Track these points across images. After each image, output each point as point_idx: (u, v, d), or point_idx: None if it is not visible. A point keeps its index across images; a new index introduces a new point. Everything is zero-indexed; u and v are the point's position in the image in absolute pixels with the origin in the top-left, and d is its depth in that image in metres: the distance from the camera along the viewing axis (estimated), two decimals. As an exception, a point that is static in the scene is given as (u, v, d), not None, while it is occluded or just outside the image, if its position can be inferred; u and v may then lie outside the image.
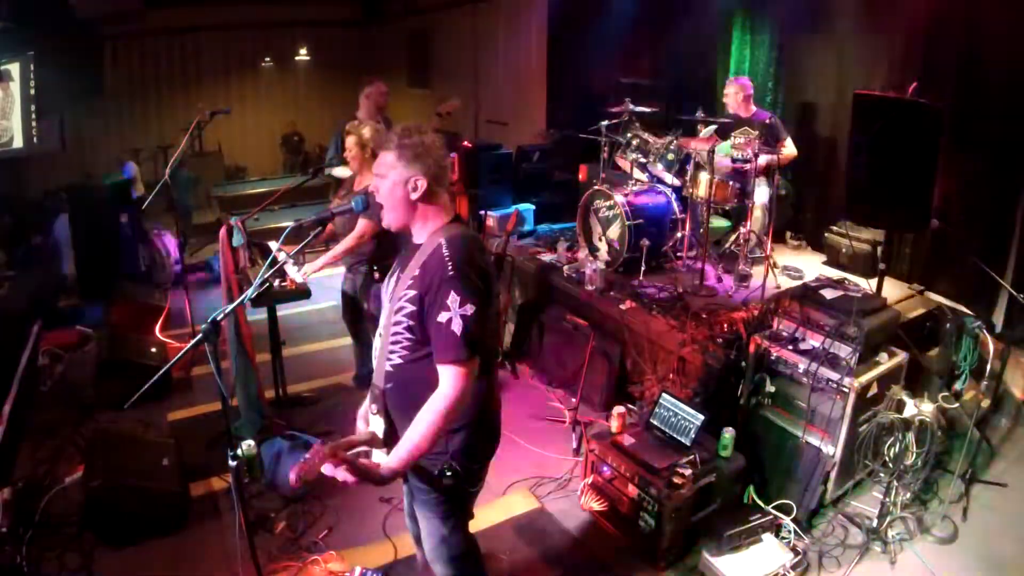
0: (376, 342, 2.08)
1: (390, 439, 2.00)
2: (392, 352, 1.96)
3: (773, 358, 3.35)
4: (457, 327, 1.80)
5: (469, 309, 1.80)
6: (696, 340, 3.72)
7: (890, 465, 2.97)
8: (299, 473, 1.69)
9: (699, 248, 4.62)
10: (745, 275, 4.44)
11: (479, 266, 1.89)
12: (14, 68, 6.12)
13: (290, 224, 2.31)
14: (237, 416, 3.72)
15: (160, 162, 9.21)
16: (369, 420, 2.09)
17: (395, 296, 1.95)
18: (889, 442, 2.96)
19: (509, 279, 5.10)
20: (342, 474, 1.77)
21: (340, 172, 4.74)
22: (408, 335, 1.92)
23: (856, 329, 3.10)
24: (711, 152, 4.32)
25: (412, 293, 1.88)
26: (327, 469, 1.75)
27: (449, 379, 1.83)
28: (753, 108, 4.90)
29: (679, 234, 4.74)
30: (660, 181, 4.88)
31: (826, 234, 5.04)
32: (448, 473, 1.97)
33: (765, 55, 5.58)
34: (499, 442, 2.16)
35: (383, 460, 1.92)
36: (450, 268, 1.82)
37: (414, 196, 1.92)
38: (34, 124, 6.21)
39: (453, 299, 1.80)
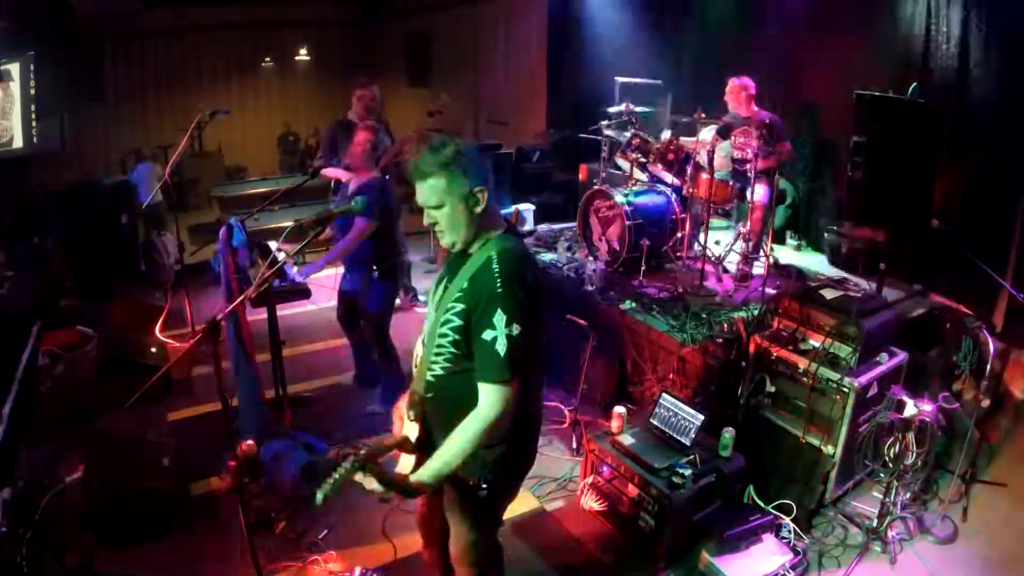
0: (418, 348, 2.05)
1: (424, 446, 1.98)
2: (434, 363, 1.93)
3: (773, 358, 3.35)
4: (501, 347, 1.75)
5: (515, 329, 1.76)
6: (696, 340, 3.72)
7: (890, 465, 2.97)
8: (326, 494, 1.72)
9: (699, 248, 4.61)
10: (745, 275, 4.44)
11: (529, 284, 1.83)
12: (14, 68, 6.11)
13: (290, 224, 2.31)
14: (237, 416, 3.72)
15: (160, 162, 9.21)
16: (404, 424, 2.07)
17: (443, 306, 1.90)
18: (889, 442, 2.96)
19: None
20: (371, 483, 1.80)
21: (331, 172, 4.73)
22: (453, 348, 1.88)
23: (856, 329, 3.10)
24: (711, 152, 4.32)
25: (460, 307, 1.84)
26: (358, 476, 1.77)
27: (490, 399, 1.79)
28: (755, 108, 4.90)
29: (679, 234, 4.73)
30: (660, 181, 4.87)
31: (826, 234, 5.04)
32: (484, 485, 1.96)
33: (766, 54, 5.58)
34: (535, 460, 2.14)
35: (409, 466, 1.94)
36: (499, 285, 1.77)
37: (479, 209, 1.85)
38: (34, 124, 6.20)
39: (500, 318, 1.76)
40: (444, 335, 1.88)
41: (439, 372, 1.93)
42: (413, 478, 1.85)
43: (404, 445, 2.00)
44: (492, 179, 1.89)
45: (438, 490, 2.09)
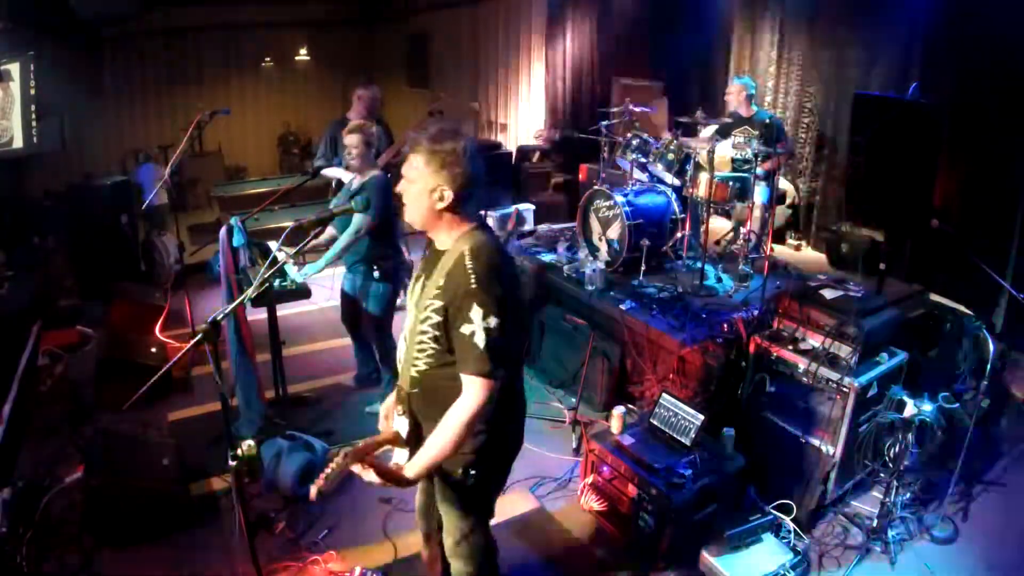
0: (401, 344, 2.09)
1: (414, 439, 2.03)
2: (417, 359, 1.97)
3: (773, 358, 3.35)
4: (480, 340, 1.80)
5: (493, 322, 1.81)
6: (696, 340, 3.72)
7: (890, 465, 2.97)
8: (320, 488, 1.75)
9: (699, 248, 4.62)
10: (745, 275, 4.44)
11: (503, 276, 1.88)
12: (14, 68, 6.11)
13: (290, 224, 2.31)
14: (237, 416, 3.72)
15: (160, 162, 9.21)
16: (394, 419, 2.12)
17: (421, 303, 1.95)
18: (889, 442, 2.96)
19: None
20: (369, 476, 1.84)
21: (331, 172, 4.73)
22: (434, 344, 1.93)
23: (856, 329, 3.10)
24: (711, 152, 4.32)
25: (437, 304, 1.88)
26: (356, 469, 1.83)
27: (472, 390, 1.84)
28: (754, 108, 4.91)
29: (679, 234, 4.74)
30: (660, 181, 4.88)
31: (826, 234, 5.04)
32: (472, 472, 2.00)
33: (766, 55, 5.58)
34: (521, 445, 2.17)
35: (403, 459, 1.99)
36: (473, 281, 1.82)
37: (439, 206, 1.90)
38: (34, 124, 6.20)
39: (476, 312, 1.81)
40: (424, 331, 1.93)
41: (423, 367, 1.97)
42: (407, 470, 1.91)
43: (395, 440, 2.06)
44: (472, 188, 1.92)
45: (432, 480, 2.14)
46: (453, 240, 1.94)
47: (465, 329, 1.82)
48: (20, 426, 3.13)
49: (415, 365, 1.98)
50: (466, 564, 2.21)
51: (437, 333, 1.90)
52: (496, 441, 2.02)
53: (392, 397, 2.14)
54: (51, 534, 2.99)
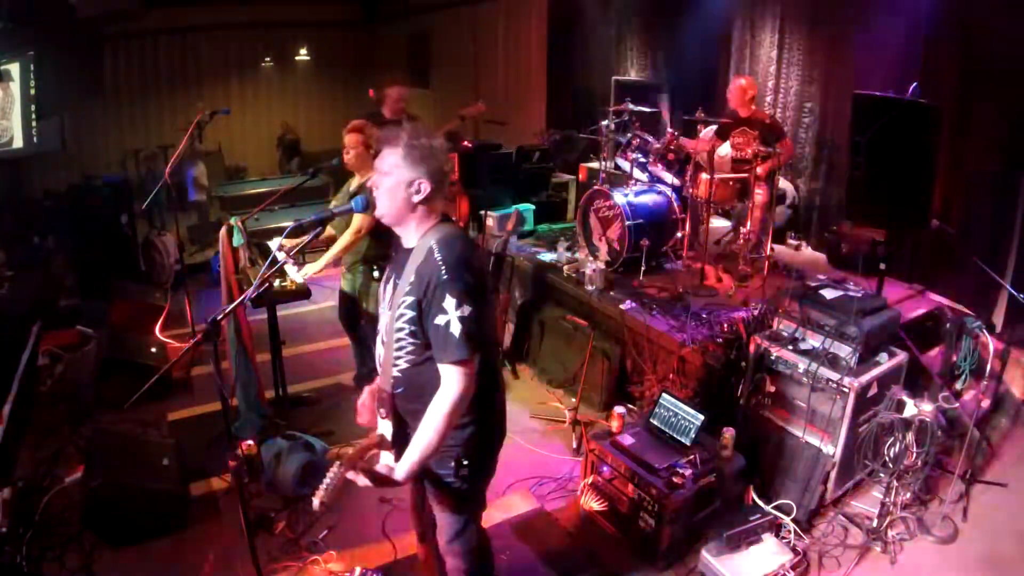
0: (379, 348, 2.10)
1: (399, 440, 2.04)
2: (398, 358, 2.00)
3: (773, 358, 3.35)
4: (456, 328, 1.84)
5: (466, 309, 1.85)
6: (696, 340, 3.72)
7: (890, 465, 2.97)
8: (323, 500, 1.79)
9: (699, 248, 4.62)
10: (745, 275, 4.44)
11: (472, 265, 1.93)
12: (14, 68, 6.10)
13: (290, 224, 2.31)
14: (237, 416, 3.72)
15: (160, 162, 9.20)
16: (378, 423, 2.13)
17: (394, 303, 1.99)
18: (889, 442, 2.96)
19: (509, 279, 5.09)
20: (362, 480, 1.88)
21: None
22: (412, 340, 1.96)
23: (856, 329, 3.10)
24: (711, 152, 4.32)
25: (410, 300, 1.92)
26: (349, 475, 1.86)
27: (451, 378, 1.87)
28: (753, 108, 4.90)
29: (679, 234, 4.74)
30: (660, 181, 4.88)
31: (826, 234, 5.04)
32: (465, 463, 2.02)
33: (766, 55, 5.58)
34: (505, 434, 2.20)
35: (391, 461, 1.99)
36: (444, 272, 1.86)
37: (416, 199, 1.95)
38: (34, 124, 6.19)
39: (449, 302, 1.85)
40: (401, 329, 1.96)
41: (404, 366, 2.00)
42: (397, 471, 1.92)
43: (382, 443, 2.08)
44: (444, 184, 1.99)
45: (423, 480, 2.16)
46: (420, 236, 1.98)
47: (440, 320, 1.85)
48: (20, 426, 3.13)
49: (396, 365, 2.01)
50: (460, 561, 2.23)
51: (413, 328, 1.93)
52: (482, 430, 2.05)
53: (367, 392, 2.17)
54: (51, 534, 2.99)
